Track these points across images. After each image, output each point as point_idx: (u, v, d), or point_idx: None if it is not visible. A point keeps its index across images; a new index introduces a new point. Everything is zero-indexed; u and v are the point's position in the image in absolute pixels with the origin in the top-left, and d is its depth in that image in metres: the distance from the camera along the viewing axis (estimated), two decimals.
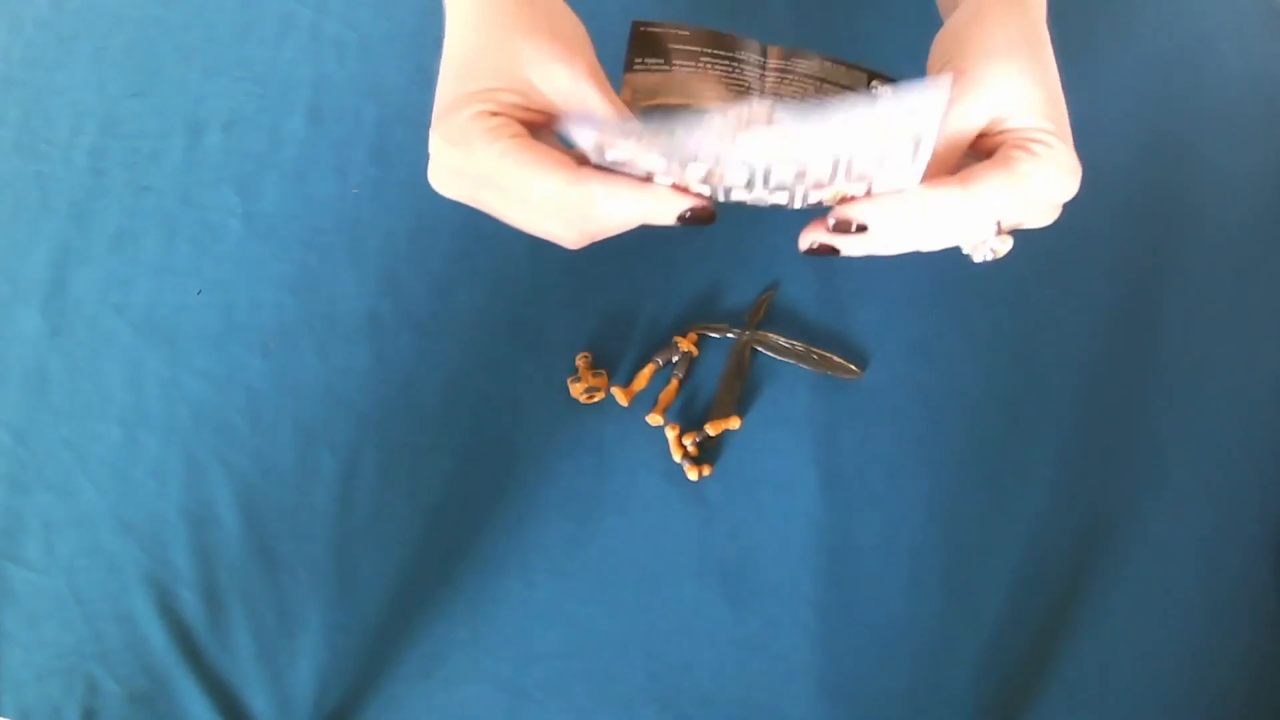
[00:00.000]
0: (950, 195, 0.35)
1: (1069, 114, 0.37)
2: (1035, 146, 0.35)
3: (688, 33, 0.40)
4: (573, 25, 0.38)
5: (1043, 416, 0.51)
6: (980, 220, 0.36)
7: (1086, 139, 0.57)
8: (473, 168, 0.34)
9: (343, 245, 0.54)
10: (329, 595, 0.47)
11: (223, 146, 0.56)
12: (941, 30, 0.40)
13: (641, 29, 0.39)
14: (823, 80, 0.41)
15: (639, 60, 0.40)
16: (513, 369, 0.51)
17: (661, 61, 0.40)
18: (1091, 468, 0.50)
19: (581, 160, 0.35)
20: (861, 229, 0.36)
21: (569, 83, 0.35)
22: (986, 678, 0.47)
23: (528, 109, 0.35)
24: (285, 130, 0.56)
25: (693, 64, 0.40)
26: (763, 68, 0.41)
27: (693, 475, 0.50)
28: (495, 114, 0.34)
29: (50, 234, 0.54)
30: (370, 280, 0.53)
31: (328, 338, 0.52)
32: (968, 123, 0.36)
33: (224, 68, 0.58)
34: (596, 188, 0.34)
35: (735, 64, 0.41)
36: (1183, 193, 0.56)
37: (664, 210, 0.35)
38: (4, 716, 0.46)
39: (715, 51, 0.40)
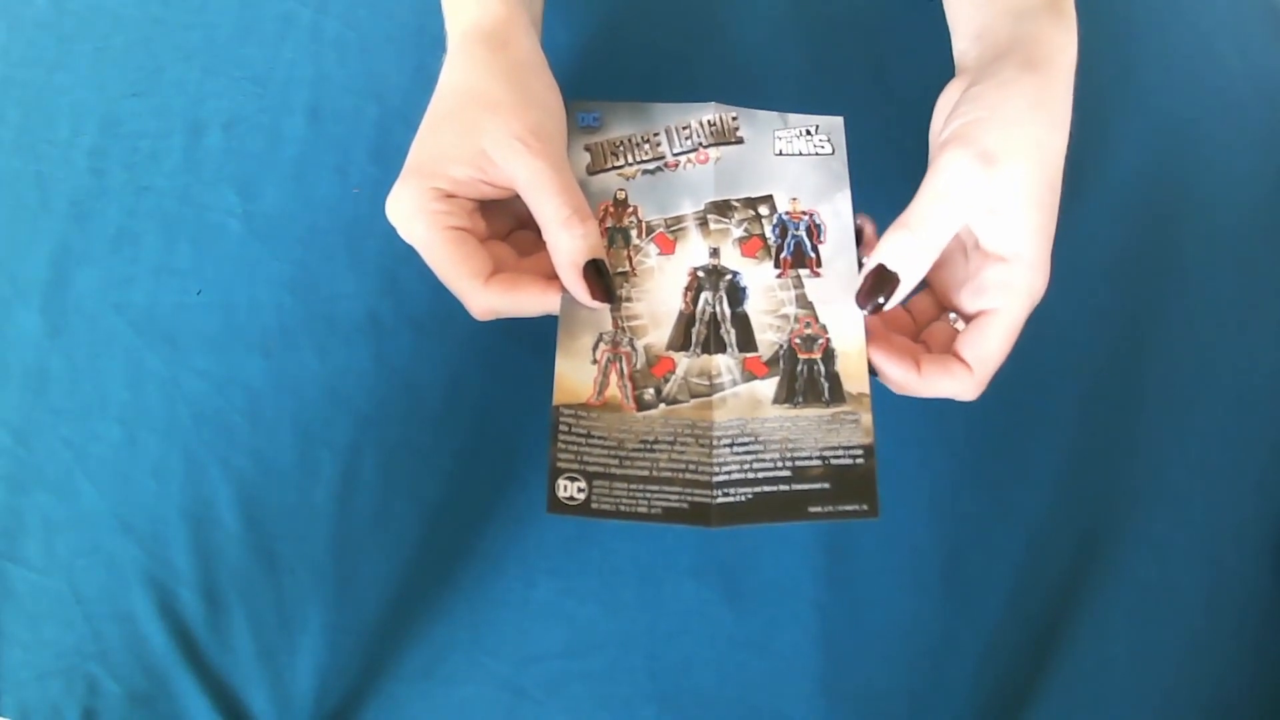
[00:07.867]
0: (958, 384, 0.39)
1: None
2: (1001, 286, 0.39)
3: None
4: (549, 107, 0.41)
5: (1043, 416, 0.51)
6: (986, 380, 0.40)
7: (1087, 138, 0.57)
8: (410, 236, 0.39)
9: (342, 245, 0.54)
10: (329, 595, 0.47)
11: (223, 146, 0.56)
12: (961, 93, 0.41)
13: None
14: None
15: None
16: (513, 369, 0.51)
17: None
18: (1091, 468, 0.50)
19: (494, 270, 0.39)
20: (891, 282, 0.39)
21: (524, 165, 0.38)
22: (986, 678, 0.47)
23: (484, 182, 0.39)
24: (285, 130, 0.56)
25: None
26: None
27: None
28: (449, 195, 0.39)
29: (50, 234, 0.54)
30: (370, 280, 0.53)
31: (328, 338, 0.52)
32: (970, 210, 0.38)
33: (224, 68, 0.58)
34: (496, 301, 0.39)
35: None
36: (1183, 192, 0.56)
37: (552, 304, 0.40)
38: (4, 716, 0.46)
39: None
